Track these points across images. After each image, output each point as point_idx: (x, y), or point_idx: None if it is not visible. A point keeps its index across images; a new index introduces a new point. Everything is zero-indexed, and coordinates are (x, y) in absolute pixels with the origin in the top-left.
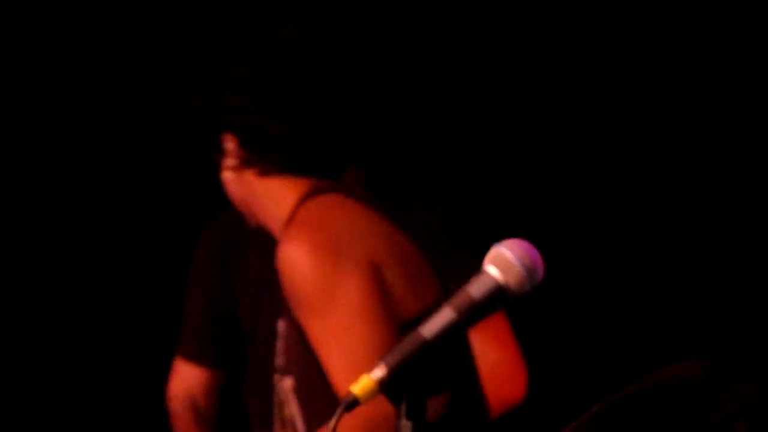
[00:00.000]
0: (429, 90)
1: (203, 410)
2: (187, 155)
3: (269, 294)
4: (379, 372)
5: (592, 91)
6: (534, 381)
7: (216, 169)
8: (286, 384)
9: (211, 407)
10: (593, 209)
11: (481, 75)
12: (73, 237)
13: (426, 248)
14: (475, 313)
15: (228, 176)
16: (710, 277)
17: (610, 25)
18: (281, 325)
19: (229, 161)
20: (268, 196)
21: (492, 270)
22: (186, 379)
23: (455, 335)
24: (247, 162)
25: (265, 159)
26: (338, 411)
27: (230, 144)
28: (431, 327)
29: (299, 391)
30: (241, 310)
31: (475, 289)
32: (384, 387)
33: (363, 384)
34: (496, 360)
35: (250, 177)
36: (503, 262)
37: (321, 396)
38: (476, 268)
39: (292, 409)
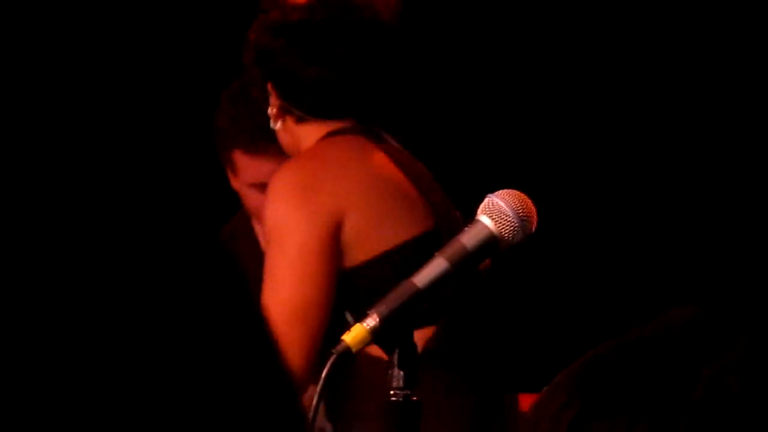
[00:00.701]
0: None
1: None
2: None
3: None
4: (371, 321)
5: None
6: (528, 332)
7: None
8: None
9: None
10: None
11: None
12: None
13: (423, 188)
14: (468, 263)
15: (276, 126)
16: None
17: (609, 23)
18: None
19: (272, 110)
20: (305, 140)
21: (485, 220)
22: None
23: (447, 284)
24: (285, 109)
25: (298, 104)
26: (330, 360)
27: (272, 93)
28: (424, 276)
29: None
30: None
31: (468, 238)
32: (376, 336)
33: (355, 333)
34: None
35: (290, 124)
36: (496, 212)
37: None
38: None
39: None
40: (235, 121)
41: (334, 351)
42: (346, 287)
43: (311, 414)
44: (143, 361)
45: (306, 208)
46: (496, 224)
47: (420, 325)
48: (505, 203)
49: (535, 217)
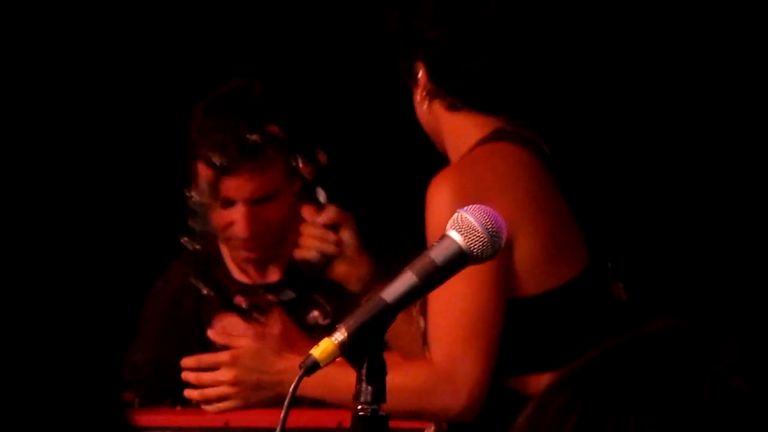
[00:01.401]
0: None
1: None
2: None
3: None
4: (339, 335)
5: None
6: None
7: None
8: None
9: None
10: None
11: None
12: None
13: (579, 210)
14: (437, 277)
15: (418, 104)
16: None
17: (609, 24)
18: None
19: (420, 91)
20: (453, 131)
21: (454, 235)
22: None
23: (415, 299)
24: (435, 94)
25: (453, 93)
26: (299, 374)
27: (422, 74)
28: (392, 291)
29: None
30: None
31: (437, 253)
32: (345, 350)
33: (324, 347)
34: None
35: (437, 108)
36: (465, 227)
37: None
38: None
39: None
40: (205, 134)
41: (301, 365)
42: (516, 317)
43: (278, 427)
44: None
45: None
46: (465, 239)
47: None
48: (474, 219)
49: (504, 232)
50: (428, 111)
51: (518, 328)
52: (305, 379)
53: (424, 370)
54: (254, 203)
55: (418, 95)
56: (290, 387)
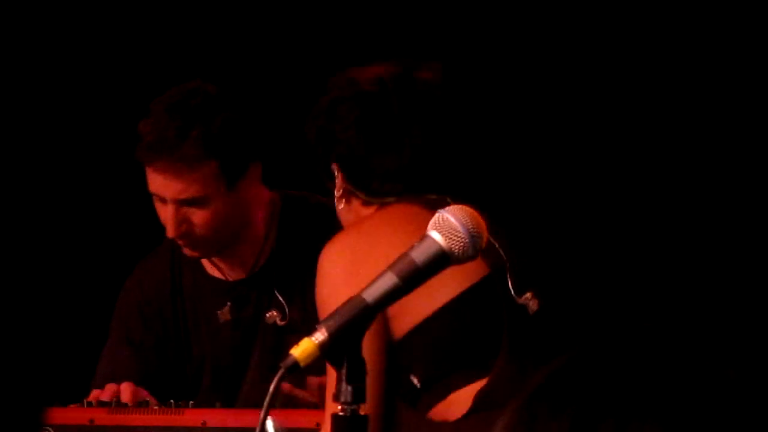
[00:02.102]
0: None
1: None
2: None
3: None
4: (320, 335)
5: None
6: None
7: None
8: None
9: None
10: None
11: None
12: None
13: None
14: (417, 278)
15: (337, 203)
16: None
17: (609, 24)
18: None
19: (337, 190)
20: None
21: (435, 235)
22: None
23: (396, 299)
24: (351, 192)
25: (366, 189)
26: (278, 374)
27: (338, 174)
28: (373, 291)
29: None
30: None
31: (418, 254)
32: (325, 351)
33: (304, 347)
34: None
35: (356, 205)
36: (446, 228)
37: None
38: None
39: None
40: (142, 126)
41: (282, 365)
42: (405, 353)
43: (258, 429)
44: None
45: (352, 281)
46: (446, 240)
47: (470, 378)
48: (455, 219)
49: (485, 232)
50: (347, 209)
51: (414, 358)
52: None
53: None
54: (182, 204)
55: (337, 194)
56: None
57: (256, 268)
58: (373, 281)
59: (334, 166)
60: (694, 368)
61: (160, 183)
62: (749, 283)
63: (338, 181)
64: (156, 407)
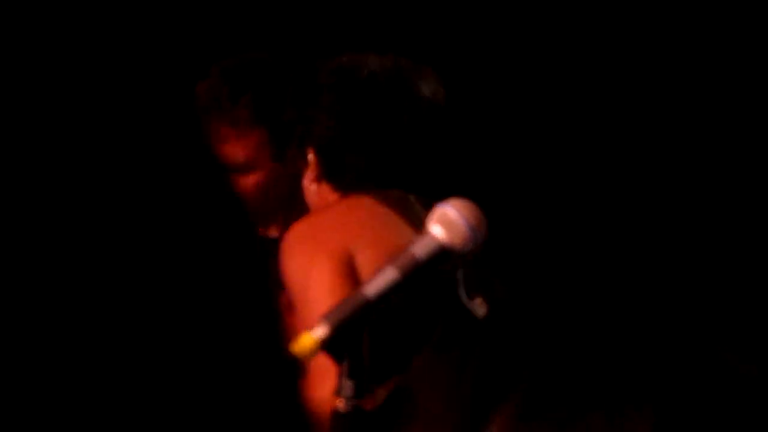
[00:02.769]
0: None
1: None
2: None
3: None
4: (320, 330)
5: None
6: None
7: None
8: None
9: None
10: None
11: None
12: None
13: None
14: (419, 273)
15: (306, 184)
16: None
17: (608, 24)
18: None
19: (309, 173)
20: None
21: (436, 230)
22: None
23: (398, 294)
24: (322, 177)
25: (339, 182)
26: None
27: (312, 158)
28: (374, 287)
29: None
30: None
31: (419, 249)
32: (326, 346)
33: (304, 342)
34: None
35: (326, 190)
36: (447, 222)
37: None
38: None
39: None
40: (200, 95)
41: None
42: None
43: None
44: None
45: (320, 252)
46: (447, 234)
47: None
48: (456, 213)
49: (485, 227)
50: (316, 191)
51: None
52: None
53: None
54: (234, 172)
55: (307, 177)
56: None
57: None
58: (374, 276)
59: (310, 151)
60: (683, 359)
61: (223, 153)
62: (739, 278)
63: (312, 165)
64: None
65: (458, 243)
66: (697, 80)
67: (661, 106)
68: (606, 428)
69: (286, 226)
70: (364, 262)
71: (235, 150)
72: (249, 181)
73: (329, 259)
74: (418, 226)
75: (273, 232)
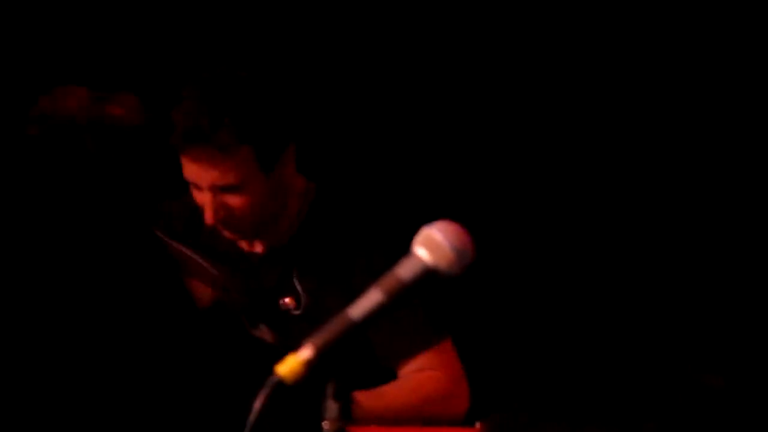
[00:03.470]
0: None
1: None
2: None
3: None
4: (306, 353)
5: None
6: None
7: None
8: None
9: None
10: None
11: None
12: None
13: None
14: (404, 295)
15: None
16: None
17: (608, 24)
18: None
19: (291, 167)
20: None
21: (421, 252)
22: None
23: (383, 317)
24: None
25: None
26: (264, 392)
27: (291, 153)
28: (359, 309)
29: None
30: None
31: (404, 270)
32: (311, 368)
33: (290, 365)
34: (440, 378)
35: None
36: (432, 244)
37: None
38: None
39: None
40: (175, 112)
41: (267, 383)
42: None
43: None
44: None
45: None
46: (431, 256)
47: None
48: (441, 235)
49: (471, 248)
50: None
51: None
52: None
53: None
54: (218, 191)
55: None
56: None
57: (275, 246)
58: (360, 298)
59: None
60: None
61: (195, 171)
62: (705, 292)
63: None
64: None
65: (443, 265)
66: (697, 80)
67: (660, 106)
68: None
69: (270, 240)
70: None
71: (225, 172)
72: (241, 199)
73: None
74: None
75: (257, 248)
